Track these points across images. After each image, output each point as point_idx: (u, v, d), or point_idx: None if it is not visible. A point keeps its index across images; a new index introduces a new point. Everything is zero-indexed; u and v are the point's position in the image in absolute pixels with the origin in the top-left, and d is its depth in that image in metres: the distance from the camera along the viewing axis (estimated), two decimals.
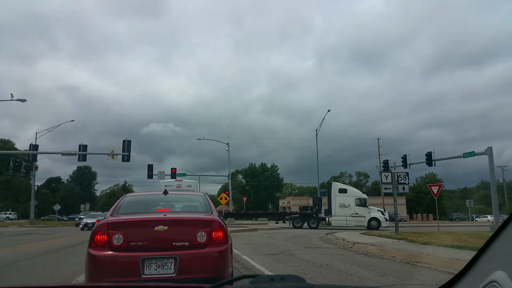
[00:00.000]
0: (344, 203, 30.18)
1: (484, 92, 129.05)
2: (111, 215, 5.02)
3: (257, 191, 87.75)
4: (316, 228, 30.07)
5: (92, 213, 36.19)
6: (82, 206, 68.28)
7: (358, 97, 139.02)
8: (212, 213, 5.17)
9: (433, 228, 27.85)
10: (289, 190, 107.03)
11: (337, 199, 30.54)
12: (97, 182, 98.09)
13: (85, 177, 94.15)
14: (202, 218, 4.92)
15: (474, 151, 28.47)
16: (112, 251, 4.34)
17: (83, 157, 32.02)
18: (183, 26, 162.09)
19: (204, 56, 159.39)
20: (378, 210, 31.03)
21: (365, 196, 31.83)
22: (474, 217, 61.65)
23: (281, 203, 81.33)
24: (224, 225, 4.88)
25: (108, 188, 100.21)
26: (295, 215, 33.64)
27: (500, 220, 25.83)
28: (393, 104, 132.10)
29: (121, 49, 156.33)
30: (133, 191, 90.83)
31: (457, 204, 79.35)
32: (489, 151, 26.18)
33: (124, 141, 31.39)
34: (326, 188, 34.29)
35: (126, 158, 31.26)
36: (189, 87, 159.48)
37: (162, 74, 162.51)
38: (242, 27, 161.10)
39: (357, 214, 29.77)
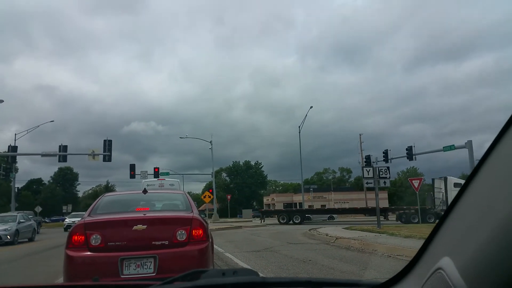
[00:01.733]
0: None
1: (463, 86, 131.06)
2: (88, 215, 4.93)
3: (241, 188, 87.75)
4: (433, 223, 28.70)
5: (74, 213, 35.64)
6: (64, 207, 67.07)
7: (340, 93, 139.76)
8: (192, 211, 5.12)
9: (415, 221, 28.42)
10: (273, 187, 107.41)
11: (452, 194, 29.49)
12: (79, 183, 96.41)
13: (66, 178, 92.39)
14: (182, 216, 4.87)
15: (454, 145, 29.16)
16: (90, 251, 4.27)
17: (63, 158, 31.37)
18: (163, 22, 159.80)
19: (186, 52, 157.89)
20: None
21: None
22: None
23: (266, 200, 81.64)
24: (205, 223, 4.85)
25: (91, 189, 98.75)
26: (404, 211, 31.19)
27: None
28: (374, 99, 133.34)
29: (100, 47, 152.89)
30: (115, 191, 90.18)
31: None
32: (469, 145, 26.88)
33: (105, 141, 30.89)
34: (431, 184, 32.18)
35: (107, 158, 30.77)
36: (171, 85, 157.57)
37: (143, 72, 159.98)
38: (223, 23, 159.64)
39: None
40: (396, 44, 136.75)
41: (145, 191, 5.88)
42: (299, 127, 44.83)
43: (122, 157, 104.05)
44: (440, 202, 29.40)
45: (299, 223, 30.84)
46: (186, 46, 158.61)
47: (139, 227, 4.38)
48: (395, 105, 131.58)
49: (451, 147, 29.35)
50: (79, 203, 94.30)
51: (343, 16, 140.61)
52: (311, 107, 42.67)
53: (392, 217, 33.54)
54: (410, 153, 32.65)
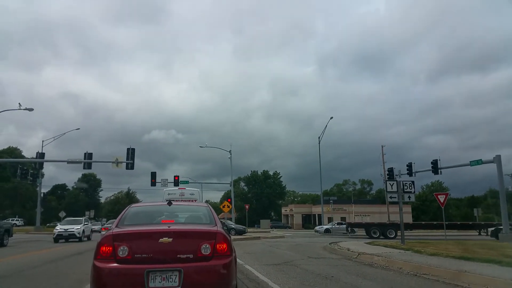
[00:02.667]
0: None
1: (490, 97, 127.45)
2: (116, 226, 4.97)
3: (259, 198, 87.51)
4: None
5: (69, 218, 27.34)
6: (87, 213, 68.53)
7: (361, 102, 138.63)
8: (216, 225, 5.10)
9: (440, 237, 27.52)
10: (292, 198, 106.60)
11: None
12: (102, 189, 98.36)
13: (90, 184, 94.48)
14: (206, 230, 4.84)
15: (481, 159, 28.18)
16: (117, 263, 4.29)
17: (88, 165, 32.12)
18: (184, 32, 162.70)
19: (205, 62, 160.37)
20: None
21: None
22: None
23: (284, 210, 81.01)
24: (229, 237, 4.81)
25: (112, 195, 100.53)
26: (496, 227, 28.49)
27: (510, 229, 25.36)
28: (397, 110, 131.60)
29: (123, 56, 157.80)
30: (137, 198, 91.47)
31: (464, 212, 78.28)
32: (497, 159, 25.95)
33: (128, 149, 31.54)
34: None
35: (130, 166, 31.34)
36: (190, 94, 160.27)
37: (163, 81, 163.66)
38: (242, 33, 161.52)
39: None
40: (420, 54, 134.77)
41: (170, 203, 5.91)
42: (319, 137, 44.57)
43: (142, 164, 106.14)
44: None
45: (393, 238, 28.10)
46: (206, 55, 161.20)
47: (165, 239, 4.39)
48: (418, 116, 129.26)
49: (478, 162, 28.35)
50: (101, 209, 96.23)
51: (365, 25, 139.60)
52: (332, 117, 42.51)
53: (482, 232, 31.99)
54: (435, 167, 31.74)
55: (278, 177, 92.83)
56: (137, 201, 78.05)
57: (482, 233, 31.58)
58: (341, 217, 62.51)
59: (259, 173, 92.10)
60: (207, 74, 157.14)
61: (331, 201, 60.10)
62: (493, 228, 28.95)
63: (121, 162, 31.15)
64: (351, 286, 7.35)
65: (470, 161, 29.13)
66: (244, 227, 35.91)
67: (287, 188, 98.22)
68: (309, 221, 71.38)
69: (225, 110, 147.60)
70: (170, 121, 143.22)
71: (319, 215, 55.63)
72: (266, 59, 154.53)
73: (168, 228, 4.68)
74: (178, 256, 4.37)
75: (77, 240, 23.34)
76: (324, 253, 14.95)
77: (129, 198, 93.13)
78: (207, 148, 50.20)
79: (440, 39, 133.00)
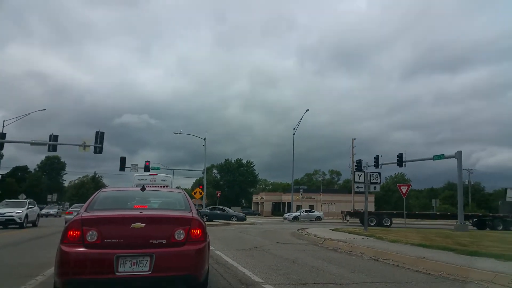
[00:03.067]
0: None
1: (457, 97, 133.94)
2: (85, 211, 4.92)
3: (231, 186, 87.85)
4: None
5: (10, 200, 23.80)
6: (49, 196, 66.34)
7: (336, 97, 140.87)
8: (191, 211, 5.18)
9: (400, 226, 28.88)
10: (263, 186, 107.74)
11: None
12: (66, 173, 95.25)
13: (53, 167, 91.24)
14: (181, 216, 4.91)
15: (444, 154, 29.55)
16: (85, 247, 4.25)
17: (53, 147, 30.94)
18: (163, 17, 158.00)
19: (184, 48, 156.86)
20: None
21: None
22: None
23: (254, 198, 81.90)
24: (203, 223, 4.90)
25: (77, 179, 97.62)
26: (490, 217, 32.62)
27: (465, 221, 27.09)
28: (369, 106, 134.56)
29: (97, 37, 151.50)
30: (103, 183, 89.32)
31: (423, 203, 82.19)
32: (458, 155, 27.30)
33: (97, 132, 30.64)
34: (504, 193, 33.73)
35: (98, 150, 30.51)
36: (167, 79, 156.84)
37: (139, 65, 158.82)
38: (224, 21, 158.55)
39: None
40: (395, 53, 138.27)
41: (143, 188, 5.90)
42: (293, 129, 45.12)
43: (111, 149, 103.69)
44: None
45: (388, 226, 30.07)
46: (185, 41, 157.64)
47: (137, 225, 4.39)
48: (389, 112, 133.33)
49: (441, 156, 29.72)
50: (64, 192, 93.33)
51: (345, 21, 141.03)
52: (307, 110, 43.07)
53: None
54: (400, 160, 33.05)
55: (251, 165, 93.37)
56: (103, 185, 76.30)
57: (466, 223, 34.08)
58: (309, 205, 64.01)
59: (233, 161, 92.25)
60: (185, 60, 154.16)
61: (301, 190, 61.20)
62: (476, 219, 32.26)
63: (89, 146, 30.29)
64: (317, 269, 7.70)
65: (433, 156, 30.49)
66: (244, 214, 36.87)
67: (260, 176, 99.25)
68: (278, 209, 72.56)
69: (202, 97, 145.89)
70: (144, 106, 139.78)
71: (289, 203, 56.69)
72: (247, 49, 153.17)
73: (140, 213, 4.69)
74: (151, 241, 4.39)
75: (18, 226, 19.98)
76: (292, 239, 15.40)
77: (95, 182, 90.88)
78: (181, 135, 49.51)
79: (415, 39, 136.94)
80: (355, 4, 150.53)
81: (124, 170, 37.35)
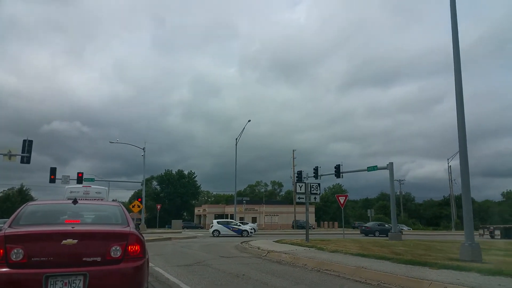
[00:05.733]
0: None
1: (388, 111, 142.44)
2: (9, 226, 4.45)
3: (172, 198, 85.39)
4: None
5: None
6: None
7: (277, 107, 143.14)
8: (128, 225, 4.88)
9: (339, 236, 29.96)
10: (206, 198, 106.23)
11: None
12: None
13: None
14: (118, 231, 4.61)
15: (377, 166, 31.28)
16: (9, 267, 3.86)
17: None
18: (98, 17, 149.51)
19: (121, 51, 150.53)
20: None
21: None
22: None
23: (197, 211, 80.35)
24: (142, 238, 4.63)
25: (1, 192, 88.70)
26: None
27: (398, 229, 28.78)
28: (309, 117, 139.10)
29: (23, 36, 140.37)
30: (31, 196, 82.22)
31: (359, 213, 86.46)
32: (390, 166, 29.03)
33: (24, 140, 28.09)
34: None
35: (26, 159, 27.99)
36: (102, 84, 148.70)
37: (71, 67, 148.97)
38: (164, 23, 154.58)
39: None
40: (332, 65, 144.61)
41: (75, 201, 5.46)
42: (236, 139, 45.13)
43: (40, 158, 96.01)
44: None
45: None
46: (122, 44, 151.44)
47: (69, 241, 4.09)
48: (327, 124, 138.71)
49: (374, 168, 31.45)
50: None
51: (286, 32, 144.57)
52: (249, 120, 43.24)
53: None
54: (338, 171, 34.40)
55: (193, 177, 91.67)
56: (31, 198, 70.27)
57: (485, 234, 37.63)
58: (252, 217, 64.23)
59: (174, 172, 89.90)
60: (122, 64, 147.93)
61: (244, 201, 61.28)
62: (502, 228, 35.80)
63: (15, 155, 27.69)
64: (261, 283, 7.61)
65: (367, 167, 32.21)
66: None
67: (202, 188, 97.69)
68: None
69: (141, 104, 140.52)
70: (76, 112, 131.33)
71: (232, 215, 56.33)
72: (188, 55, 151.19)
73: (72, 228, 4.36)
74: (84, 259, 4.11)
75: None
76: (236, 252, 15.19)
77: (22, 195, 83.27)
78: (118, 145, 47.31)
79: (351, 53, 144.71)
80: (295, 15, 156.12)
81: (54, 182, 34.65)
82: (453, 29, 12.10)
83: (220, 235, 31.64)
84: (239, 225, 34.21)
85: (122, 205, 5.84)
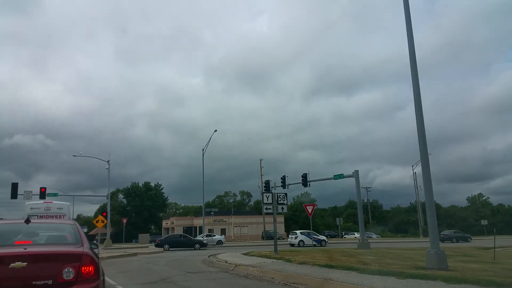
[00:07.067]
0: None
1: (353, 118, 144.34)
2: None
3: (139, 211, 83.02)
4: None
5: None
6: None
7: (243, 116, 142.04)
8: (82, 245, 4.64)
9: (308, 246, 30.09)
10: (173, 210, 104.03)
11: None
12: None
13: None
14: (70, 252, 4.39)
15: (343, 174, 31.72)
16: None
17: None
18: (60, 28, 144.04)
19: (84, 62, 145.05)
20: None
21: None
22: (344, 234, 68.61)
23: (165, 223, 78.41)
24: (96, 259, 4.41)
25: None
26: None
27: (366, 237, 29.27)
28: (275, 126, 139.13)
29: None
30: None
31: (328, 221, 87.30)
32: (355, 174, 29.57)
33: None
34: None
35: None
36: (65, 96, 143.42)
37: (32, 79, 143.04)
38: (125, 33, 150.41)
39: None
40: (296, 74, 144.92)
41: (27, 221, 5.14)
42: (203, 149, 44.73)
43: (1, 173, 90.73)
44: None
45: None
46: (84, 55, 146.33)
47: (18, 264, 3.86)
48: (294, 132, 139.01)
49: (340, 176, 31.80)
50: None
51: (249, 41, 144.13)
52: (215, 130, 43.04)
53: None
54: (305, 180, 34.57)
55: (160, 188, 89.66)
56: None
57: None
58: (221, 229, 63.43)
59: (140, 184, 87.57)
60: (85, 76, 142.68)
61: (212, 212, 60.48)
62: None
63: None
64: None
65: (334, 175, 32.52)
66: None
67: (170, 200, 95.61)
68: (190, 234, 70.34)
69: (105, 116, 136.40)
70: (39, 125, 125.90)
71: (200, 227, 55.45)
72: (152, 65, 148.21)
73: (23, 250, 4.10)
74: (34, 283, 3.88)
75: None
76: (203, 267, 14.87)
77: None
78: (82, 158, 45.67)
79: (313, 61, 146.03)
80: (257, 24, 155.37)
81: (16, 197, 32.90)
82: (408, 37, 12.40)
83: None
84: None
85: (77, 224, 5.57)
